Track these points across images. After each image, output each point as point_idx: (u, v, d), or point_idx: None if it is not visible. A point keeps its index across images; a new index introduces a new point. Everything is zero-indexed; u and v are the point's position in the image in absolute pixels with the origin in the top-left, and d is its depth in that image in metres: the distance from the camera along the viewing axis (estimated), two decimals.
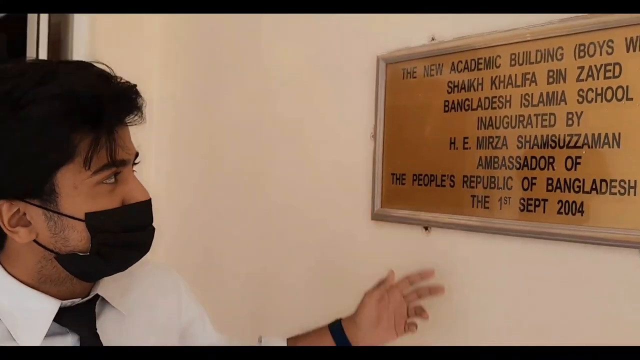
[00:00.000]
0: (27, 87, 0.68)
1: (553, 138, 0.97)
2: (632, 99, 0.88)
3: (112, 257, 0.75)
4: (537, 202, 0.98)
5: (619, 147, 0.89)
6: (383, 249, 1.23)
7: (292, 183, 1.44)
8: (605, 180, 0.91)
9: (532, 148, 0.99)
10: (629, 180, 0.88)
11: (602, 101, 0.92)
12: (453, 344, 1.11)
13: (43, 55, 1.79)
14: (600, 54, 0.92)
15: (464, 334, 1.10)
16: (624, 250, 0.89)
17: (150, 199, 0.77)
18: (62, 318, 0.76)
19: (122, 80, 0.74)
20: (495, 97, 1.05)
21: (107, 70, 0.74)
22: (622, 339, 0.90)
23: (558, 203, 0.96)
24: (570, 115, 0.95)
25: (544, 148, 0.98)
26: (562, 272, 0.96)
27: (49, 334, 0.75)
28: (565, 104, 0.96)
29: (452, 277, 1.11)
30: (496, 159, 1.04)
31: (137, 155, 0.77)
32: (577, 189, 0.94)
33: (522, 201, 1.00)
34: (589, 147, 0.93)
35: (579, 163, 0.94)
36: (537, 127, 0.99)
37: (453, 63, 1.11)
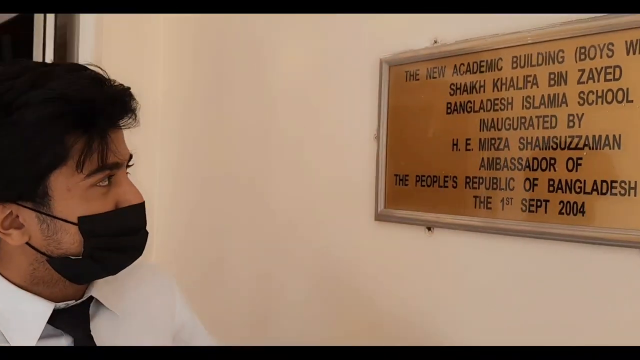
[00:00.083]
0: (20, 90, 0.68)
1: (554, 139, 0.98)
2: (632, 101, 0.90)
3: (105, 260, 0.74)
4: (539, 203, 1.00)
5: (619, 148, 0.91)
6: (386, 249, 1.25)
7: (296, 184, 1.45)
8: (606, 181, 0.92)
9: (534, 149, 1.01)
10: (630, 181, 0.89)
11: (602, 103, 0.93)
12: (455, 343, 1.12)
13: (49, 57, 1.81)
14: (601, 57, 0.93)
15: (466, 334, 1.11)
16: (624, 250, 0.90)
17: (143, 202, 0.77)
18: (56, 320, 0.76)
19: (116, 83, 0.74)
20: (497, 99, 1.06)
21: (101, 73, 0.74)
22: (622, 338, 0.91)
23: (559, 204, 0.97)
24: (571, 117, 0.96)
25: (546, 149, 0.99)
26: (564, 272, 0.97)
27: (42, 336, 0.74)
28: (567, 105, 0.97)
29: (454, 277, 1.13)
30: (498, 160, 1.05)
31: (131, 157, 0.77)
32: (578, 190, 0.95)
33: (524, 202, 1.02)
34: (590, 148, 0.94)
35: (580, 164, 0.95)
36: (538, 128, 1.00)
37: (455, 65, 1.12)
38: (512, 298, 1.04)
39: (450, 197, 1.12)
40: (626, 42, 0.90)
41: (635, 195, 0.89)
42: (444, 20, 1.14)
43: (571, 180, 0.96)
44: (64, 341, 0.77)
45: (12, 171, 0.69)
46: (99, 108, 0.69)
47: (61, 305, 0.76)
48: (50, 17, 1.82)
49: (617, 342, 0.90)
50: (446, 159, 1.13)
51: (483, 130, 1.08)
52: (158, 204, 1.88)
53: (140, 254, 0.79)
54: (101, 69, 0.75)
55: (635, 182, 0.89)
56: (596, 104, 0.93)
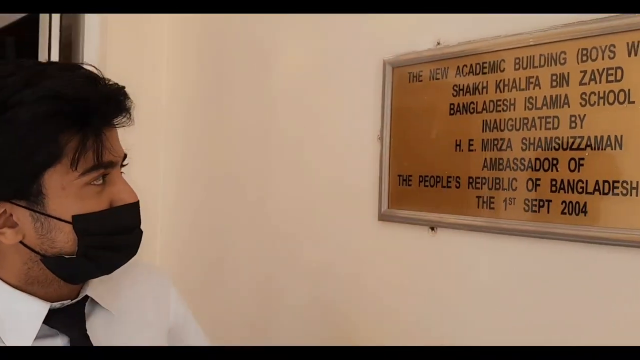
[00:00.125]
0: (14, 88, 0.68)
1: (557, 140, 0.99)
2: (634, 102, 0.91)
3: (99, 259, 0.74)
4: (541, 203, 1.01)
5: (621, 149, 0.92)
6: (390, 249, 1.26)
7: (299, 185, 1.46)
8: (608, 182, 0.93)
9: (536, 150, 1.02)
10: (631, 182, 0.90)
11: (604, 104, 0.94)
12: (458, 343, 1.12)
13: (55, 58, 1.82)
14: (603, 59, 0.94)
15: (469, 334, 1.12)
16: (627, 250, 0.91)
17: (138, 201, 0.77)
18: (51, 320, 0.76)
19: (111, 82, 0.74)
20: (500, 100, 1.07)
21: (96, 72, 0.74)
22: (625, 337, 0.92)
23: (562, 204, 0.98)
24: (573, 118, 0.97)
25: (548, 150, 1.00)
26: (567, 271, 0.98)
27: (38, 337, 0.74)
28: (569, 107, 0.98)
29: (458, 276, 1.14)
30: (501, 161, 1.06)
31: (125, 157, 0.77)
32: (580, 190, 0.96)
33: (526, 202, 1.03)
34: (592, 149, 0.95)
35: (582, 165, 0.96)
36: (541, 129, 1.01)
37: (458, 67, 1.13)
38: (515, 298, 1.05)
39: (453, 197, 1.13)
40: (627, 43, 0.91)
41: (637, 195, 0.90)
42: (446, 22, 1.15)
43: (573, 180, 0.97)
44: (60, 341, 0.77)
45: (7, 169, 0.69)
46: (94, 106, 0.69)
47: (56, 305, 0.76)
48: (56, 18, 1.84)
49: (620, 341, 0.91)
50: (449, 160, 1.14)
51: (486, 131, 1.09)
52: (162, 204, 1.90)
53: (135, 253, 0.79)
54: (96, 68, 0.75)
55: (637, 182, 0.90)
56: (598, 105, 0.94)
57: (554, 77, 1.00)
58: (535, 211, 1.01)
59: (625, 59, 0.91)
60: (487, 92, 1.09)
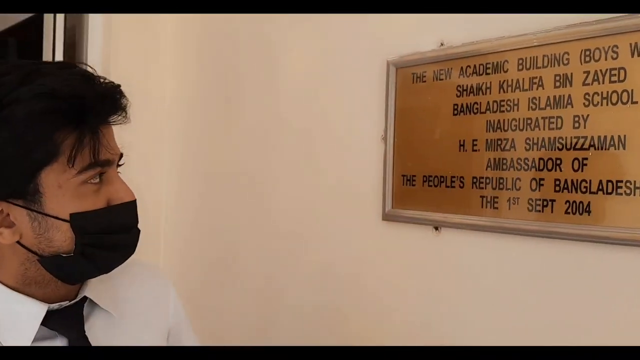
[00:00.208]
0: (10, 87, 0.68)
1: (560, 140, 1.00)
2: (636, 102, 0.91)
3: (96, 258, 0.74)
4: (545, 203, 1.01)
5: (624, 148, 0.92)
6: (394, 249, 1.26)
7: (303, 185, 1.47)
8: (611, 181, 0.93)
9: (540, 150, 1.02)
10: (635, 181, 0.91)
11: (607, 104, 0.94)
12: (462, 343, 1.13)
13: (59, 58, 1.83)
14: (606, 59, 0.95)
15: (473, 333, 1.12)
16: (630, 249, 0.91)
17: (135, 200, 0.77)
18: (50, 321, 0.75)
19: (106, 81, 0.73)
20: (504, 100, 1.08)
21: (91, 71, 0.74)
22: (629, 337, 0.92)
23: (565, 203, 0.99)
24: (576, 118, 0.98)
25: (552, 150, 1.01)
26: (570, 271, 0.99)
27: (37, 338, 0.74)
28: (572, 107, 0.99)
29: (461, 276, 1.14)
30: (505, 161, 1.07)
31: (121, 156, 0.77)
32: (584, 190, 0.97)
33: (530, 201, 1.03)
34: (595, 148, 0.96)
35: (586, 164, 0.97)
36: (544, 129, 1.02)
37: (462, 68, 1.14)
38: (519, 297, 1.06)
39: (457, 197, 1.14)
40: (630, 44, 0.92)
41: None
42: (450, 23, 1.16)
43: (577, 180, 0.98)
44: (59, 342, 0.76)
45: (3, 168, 0.69)
46: (89, 104, 0.69)
47: (54, 306, 0.76)
48: (60, 19, 1.85)
49: (624, 341, 0.92)
50: (453, 160, 1.15)
51: (489, 131, 1.10)
52: (165, 204, 1.90)
53: (132, 252, 0.79)
54: (91, 67, 0.75)
55: None
56: (601, 105, 0.95)
57: (558, 78, 1.00)
58: (539, 211, 1.02)
59: (629, 59, 0.92)
60: (490, 93, 1.10)
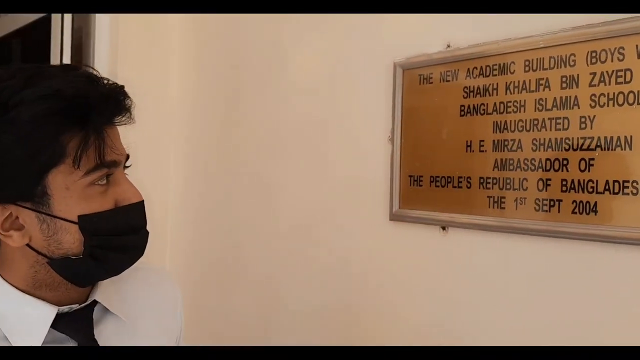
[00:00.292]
0: (14, 89, 0.68)
1: (567, 141, 1.01)
2: None
3: (106, 260, 0.74)
4: (552, 203, 1.02)
5: (630, 149, 0.93)
6: (401, 249, 1.27)
7: (311, 185, 1.48)
8: (618, 181, 0.95)
9: (547, 150, 1.03)
10: None
11: (613, 105, 0.96)
12: (470, 343, 1.14)
13: (67, 60, 1.84)
14: (612, 61, 0.96)
15: (480, 333, 1.13)
16: (637, 248, 0.92)
17: (143, 201, 0.76)
18: (59, 324, 0.75)
19: (110, 82, 0.74)
20: (510, 101, 1.09)
21: (95, 72, 0.74)
22: (635, 336, 0.93)
23: (572, 203, 1.00)
24: (583, 119, 0.99)
25: (558, 150, 1.02)
26: (577, 270, 1.00)
27: (47, 341, 0.74)
28: (578, 108, 1.00)
29: (469, 275, 1.15)
30: (511, 161, 1.08)
31: (127, 157, 0.77)
32: (590, 190, 0.98)
33: (537, 201, 1.04)
34: (601, 149, 0.97)
35: (592, 165, 0.98)
36: (551, 130, 1.03)
37: (468, 69, 1.15)
38: (526, 296, 1.07)
39: (464, 197, 1.15)
40: (637, 46, 0.93)
41: None
42: (456, 25, 1.17)
43: (584, 180, 0.99)
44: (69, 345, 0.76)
45: (11, 171, 0.69)
46: (93, 105, 0.69)
47: (65, 309, 0.76)
48: (68, 20, 1.86)
49: (632, 339, 0.93)
50: (460, 160, 1.16)
51: (496, 131, 1.11)
52: (172, 205, 1.91)
53: (141, 254, 0.79)
54: (94, 69, 0.75)
55: None
56: (607, 106, 0.96)
57: (564, 79, 1.01)
58: (546, 211, 1.03)
59: (635, 61, 0.93)
60: (497, 94, 1.11)
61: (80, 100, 0.69)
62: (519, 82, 1.08)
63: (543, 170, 1.04)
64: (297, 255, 1.52)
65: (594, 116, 0.98)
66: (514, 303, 1.09)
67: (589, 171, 0.98)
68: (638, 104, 0.93)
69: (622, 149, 0.94)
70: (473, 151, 1.14)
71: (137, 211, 0.76)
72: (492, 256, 1.12)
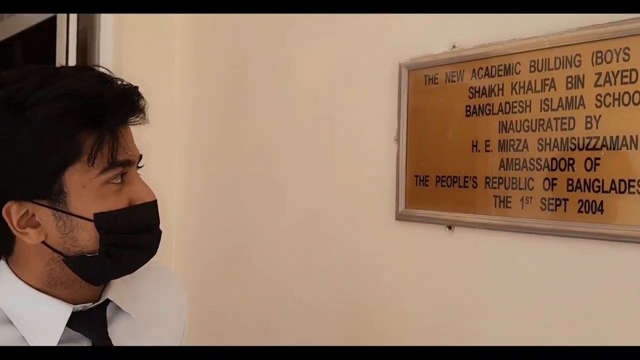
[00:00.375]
0: (30, 89, 0.69)
1: (573, 140, 1.02)
2: None
3: (120, 258, 0.75)
4: (558, 202, 1.03)
5: (636, 148, 0.94)
6: (407, 248, 1.28)
7: (318, 185, 1.49)
8: (623, 180, 0.95)
9: (553, 150, 1.04)
10: None
11: (619, 105, 0.96)
12: (476, 342, 1.15)
13: (72, 61, 1.85)
14: (617, 61, 0.97)
15: (487, 332, 1.14)
16: None
17: (156, 200, 0.78)
18: (74, 323, 0.76)
19: (124, 82, 0.75)
20: (516, 102, 1.10)
21: (108, 72, 0.76)
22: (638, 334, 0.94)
23: (578, 202, 1.00)
24: (589, 119, 1.00)
25: (564, 150, 1.03)
26: (583, 268, 1.01)
27: (62, 340, 0.75)
28: (584, 108, 1.00)
29: (475, 275, 1.16)
30: (517, 161, 1.09)
31: (140, 157, 0.79)
32: (596, 189, 0.98)
33: (543, 201, 1.05)
34: (607, 148, 0.98)
35: (598, 164, 0.98)
36: (557, 130, 1.04)
37: (474, 69, 1.16)
38: (532, 295, 1.07)
39: (470, 196, 1.16)
40: None
41: None
42: (461, 26, 1.18)
43: (590, 179, 0.99)
44: (84, 344, 0.77)
45: (28, 169, 0.70)
46: (108, 104, 0.71)
47: (79, 307, 0.77)
48: (73, 21, 1.86)
49: (638, 339, 0.93)
50: (466, 160, 1.17)
51: (502, 132, 1.11)
52: (176, 204, 1.92)
53: (155, 252, 0.80)
54: (108, 70, 0.77)
55: None
56: (613, 106, 0.97)
57: (570, 79, 1.02)
58: (552, 210, 1.04)
59: None
60: (502, 94, 1.12)
61: (94, 101, 0.70)
62: (524, 82, 1.08)
63: (549, 170, 1.05)
64: (302, 255, 1.53)
65: (600, 116, 0.99)
66: (520, 302, 1.09)
67: (595, 170, 0.99)
68: None
69: (627, 149, 0.95)
70: (479, 151, 1.15)
71: (150, 210, 0.78)
72: (498, 255, 1.13)
